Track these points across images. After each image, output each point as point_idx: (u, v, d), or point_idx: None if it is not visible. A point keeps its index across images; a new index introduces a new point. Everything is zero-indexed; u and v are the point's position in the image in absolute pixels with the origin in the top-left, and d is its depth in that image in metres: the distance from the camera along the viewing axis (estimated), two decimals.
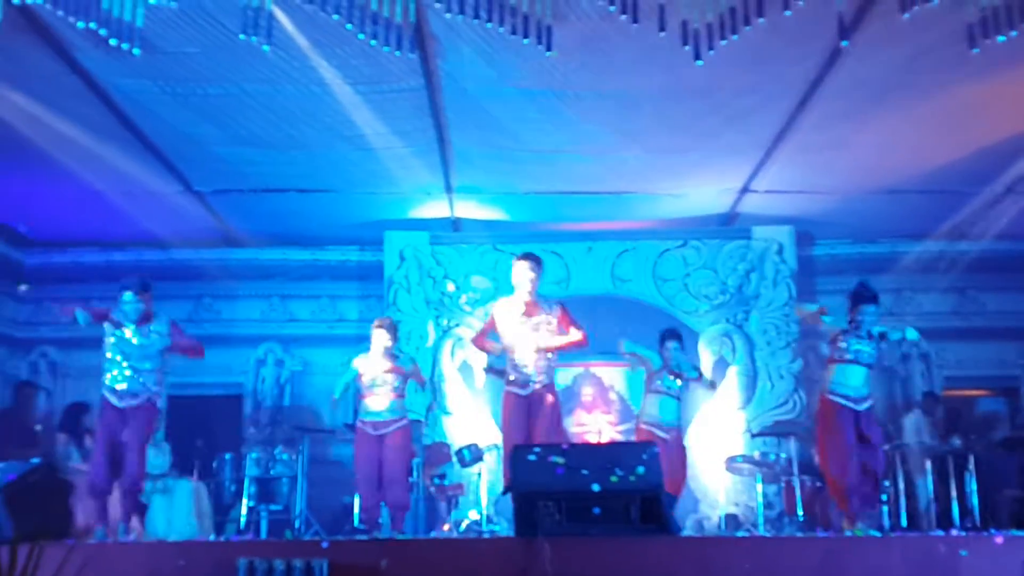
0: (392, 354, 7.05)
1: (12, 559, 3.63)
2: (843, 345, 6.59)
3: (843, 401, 6.51)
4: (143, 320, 6.38)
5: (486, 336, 6.83)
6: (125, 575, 4.72)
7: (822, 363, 10.34)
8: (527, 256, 6.60)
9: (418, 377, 7.25)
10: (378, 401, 6.87)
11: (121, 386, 6.26)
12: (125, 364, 6.27)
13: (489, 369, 7.18)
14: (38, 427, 9.06)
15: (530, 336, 6.47)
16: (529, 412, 6.44)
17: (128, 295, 6.34)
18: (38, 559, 3.69)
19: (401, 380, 6.96)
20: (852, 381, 6.53)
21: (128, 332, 6.33)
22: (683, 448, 7.69)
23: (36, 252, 10.77)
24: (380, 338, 7.00)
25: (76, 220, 9.90)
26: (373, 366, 6.97)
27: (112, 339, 6.36)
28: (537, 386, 6.46)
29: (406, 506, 6.80)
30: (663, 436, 7.39)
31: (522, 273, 6.51)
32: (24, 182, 8.69)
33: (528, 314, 6.50)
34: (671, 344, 7.70)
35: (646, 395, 7.69)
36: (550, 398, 6.50)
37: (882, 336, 6.59)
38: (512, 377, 6.52)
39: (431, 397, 7.25)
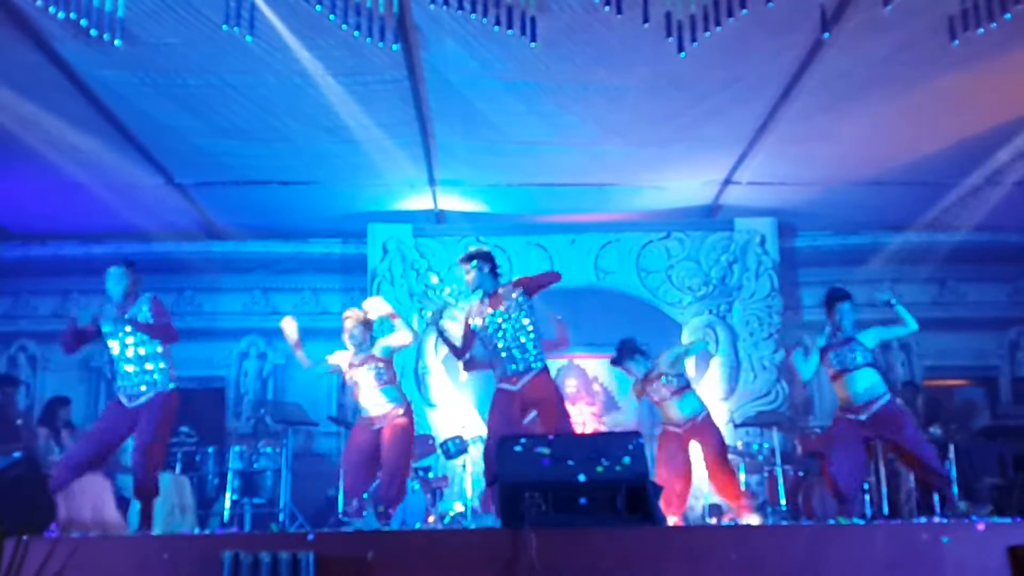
0: (363, 347, 6.72)
1: None
2: (830, 361, 6.48)
3: (848, 415, 6.41)
4: (126, 302, 6.02)
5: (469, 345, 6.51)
6: (109, 569, 4.68)
7: (805, 354, 10.47)
8: (463, 259, 6.42)
9: (400, 336, 6.70)
10: (366, 397, 6.74)
11: (127, 386, 5.97)
12: (126, 360, 5.96)
13: (470, 364, 6.88)
14: (19, 421, 8.99)
15: (505, 323, 6.27)
16: (523, 408, 6.27)
17: (113, 269, 6.04)
18: (24, 554, 3.67)
19: (380, 368, 6.77)
20: (853, 388, 6.40)
21: (118, 327, 6.00)
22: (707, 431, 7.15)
23: (14, 245, 10.67)
24: (347, 329, 6.72)
25: (56, 213, 9.82)
26: (349, 363, 6.72)
27: (108, 342, 6.05)
28: (527, 378, 6.25)
29: (398, 499, 6.72)
30: (678, 431, 7.02)
31: (465, 276, 6.39)
32: (2, 174, 8.61)
33: (493, 306, 6.29)
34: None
35: (658, 405, 7.22)
36: (548, 392, 6.30)
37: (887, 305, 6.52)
38: (499, 371, 6.31)
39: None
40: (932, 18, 6.01)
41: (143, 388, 5.95)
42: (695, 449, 7.06)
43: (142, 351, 5.97)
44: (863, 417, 6.35)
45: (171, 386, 6.02)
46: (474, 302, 6.45)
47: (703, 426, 7.04)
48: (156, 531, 6.04)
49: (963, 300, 10.71)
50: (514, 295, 6.27)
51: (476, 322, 6.36)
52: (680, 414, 7.01)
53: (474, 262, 6.32)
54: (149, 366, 5.98)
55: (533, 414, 6.48)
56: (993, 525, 4.90)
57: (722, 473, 6.98)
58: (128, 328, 5.97)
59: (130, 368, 5.97)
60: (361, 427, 6.70)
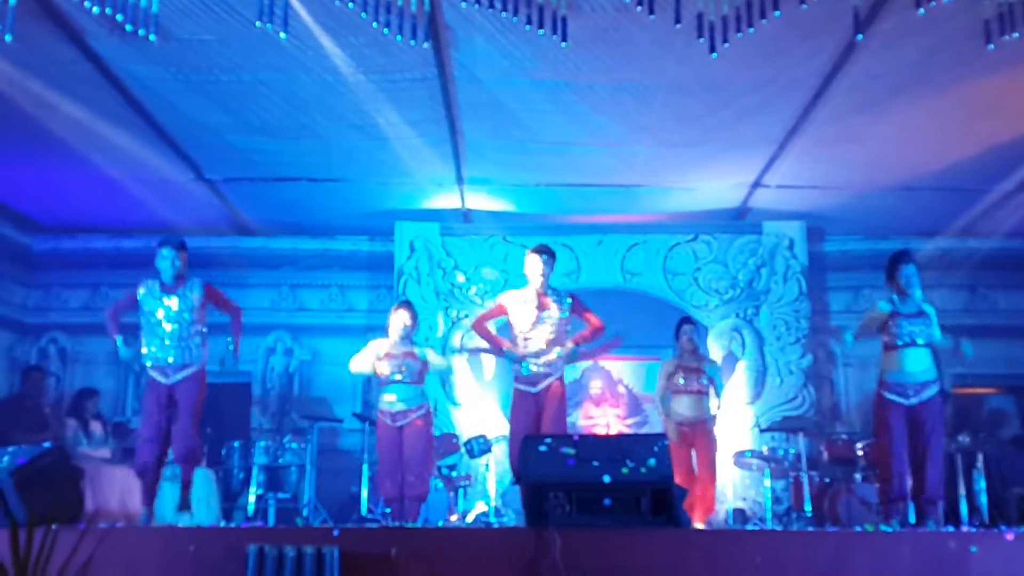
0: (411, 340, 6.95)
1: (28, 543, 3.65)
2: (895, 329, 6.13)
3: (894, 397, 6.09)
4: (177, 282, 6.16)
5: (488, 320, 6.71)
6: (136, 560, 4.73)
7: (832, 359, 10.40)
8: (539, 249, 6.54)
9: (437, 362, 7.12)
10: (396, 392, 6.80)
11: (165, 358, 6.06)
12: (165, 332, 6.07)
13: (473, 350, 7.16)
14: (46, 411, 9.10)
15: (542, 331, 6.43)
16: (536, 408, 6.38)
17: (165, 250, 6.14)
18: (52, 543, 3.71)
19: (420, 366, 6.87)
20: (909, 367, 6.09)
21: (164, 299, 6.11)
22: (710, 440, 7.56)
23: (46, 238, 10.80)
24: (400, 320, 6.90)
25: (86, 206, 9.94)
26: (391, 352, 6.85)
27: (148, 310, 6.12)
28: (546, 383, 6.39)
29: (423, 496, 6.78)
30: (687, 430, 7.40)
31: (534, 265, 6.47)
32: (35, 167, 8.71)
33: (541, 307, 6.47)
34: (687, 327, 7.66)
35: (672, 396, 7.66)
36: (557, 394, 6.42)
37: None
38: (521, 371, 6.44)
39: (447, 374, 7.23)
40: (967, 21, 5.92)
41: (183, 361, 6.06)
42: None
43: (188, 326, 6.11)
44: (913, 402, 6.07)
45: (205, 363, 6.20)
46: (521, 293, 6.54)
47: None
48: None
49: (994, 307, 10.58)
50: (561, 312, 6.44)
51: (517, 314, 6.46)
52: None
53: (542, 256, 6.46)
54: (190, 340, 6.11)
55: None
56: (1022, 535, 4.84)
57: None
58: (178, 304, 6.09)
59: (168, 342, 6.07)
60: (384, 426, 6.75)
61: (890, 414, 6.12)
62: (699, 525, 7.02)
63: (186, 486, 6.19)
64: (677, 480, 7.10)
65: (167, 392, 6.07)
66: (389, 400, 6.77)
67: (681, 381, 7.50)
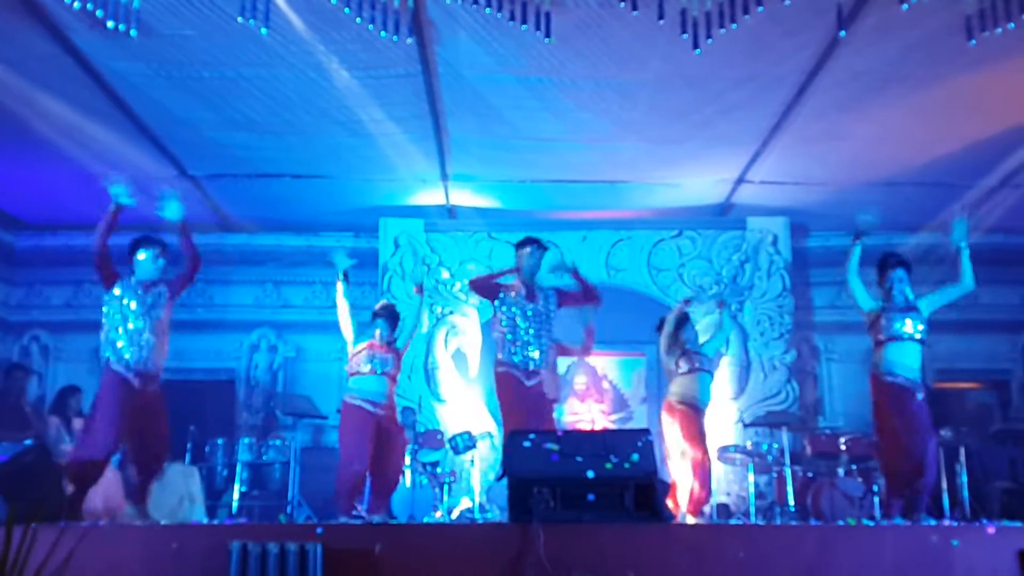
0: (390, 341, 6.91)
1: (6, 541, 3.62)
2: (883, 324, 6.10)
3: (899, 380, 6.00)
4: (155, 280, 6.07)
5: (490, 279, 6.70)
6: (118, 558, 4.70)
7: (815, 354, 10.44)
8: (521, 242, 6.56)
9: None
10: (376, 383, 6.71)
11: (133, 361, 5.89)
12: (136, 327, 5.93)
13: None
14: (28, 409, 9.05)
15: (531, 324, 6.40)
16: (534, 403, 6.32)
17: (145, 249, 6.10)
18: (32, 541, 3.68)
19: (394, 363, 6.79)
20: (905, 360, 6.04)
21: (139, 294, 6.02)
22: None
23: (28, 235, 10.73)
24: (378, 327, 6.83)
25: (69, 203, 9.85)
26: (374, 343, 6.80)
27: (120, 300, 6.01)
28: (538, 379, 6.34)
29: (390, 493, 6.75)
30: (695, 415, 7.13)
31: (517, 260, 6.51)
32: (17, 164, 8.66)
33: (530, 299, 6.45)
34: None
35: (674, 378, 7.26)
36: (551, 397, 6.40)
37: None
38: (514, 362, 6.39)
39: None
40: (949, 17, 5.97)
41: (155, 367, 5.95)
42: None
43: (159, 323, 5.99)
44: (919, 395, 5.97)
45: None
46: (514, 284, 6.54)
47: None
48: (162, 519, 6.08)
49: (976, 302, 10.54)
50: (552, 303, 6.51)
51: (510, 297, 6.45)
52: None
53: (523, 250, 6.51)
54: (157, 341, 5.97)
55: None
56: (1003, 529, 4.88)
57: None
58: (153, 301, 6.00)
59: (143, 340, 5.92)
60: (361, 411, 6.59)
61: (895, 393, 6.00)
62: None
63: (143, 488, 6.05)
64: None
65: (135, 394, 5.88)
66: (367, 391, 6.64)
67: (677, 366, 7.36)
